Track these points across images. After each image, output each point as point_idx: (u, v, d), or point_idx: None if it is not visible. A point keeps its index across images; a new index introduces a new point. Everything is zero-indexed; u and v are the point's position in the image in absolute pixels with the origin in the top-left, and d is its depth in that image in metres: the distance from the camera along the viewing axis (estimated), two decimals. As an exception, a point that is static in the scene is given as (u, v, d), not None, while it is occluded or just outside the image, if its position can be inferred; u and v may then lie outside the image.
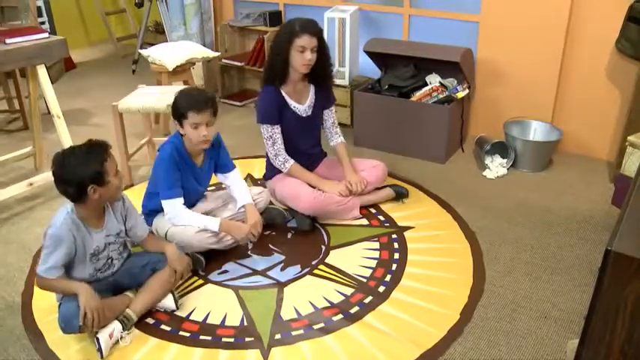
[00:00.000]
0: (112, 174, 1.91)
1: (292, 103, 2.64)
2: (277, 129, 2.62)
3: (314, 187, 2.66)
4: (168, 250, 2.12)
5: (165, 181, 2.27)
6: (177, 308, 2.14)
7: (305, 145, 2.78)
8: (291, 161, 2.66)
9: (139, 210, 2.43)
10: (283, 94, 2.62)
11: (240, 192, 2.50)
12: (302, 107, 2.68)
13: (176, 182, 2.28)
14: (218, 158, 2.48)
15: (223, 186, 2.65)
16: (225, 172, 2.53)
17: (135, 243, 2.23)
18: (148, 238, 2.18)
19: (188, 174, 2.35)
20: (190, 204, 2.41)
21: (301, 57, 2.48)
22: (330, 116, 2.82)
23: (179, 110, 2.24)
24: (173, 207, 2.29)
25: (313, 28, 2.48)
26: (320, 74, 2.63)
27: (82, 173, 1.83)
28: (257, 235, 2.39)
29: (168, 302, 2.13)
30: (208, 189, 2.61)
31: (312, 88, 2.71)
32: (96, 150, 1.88)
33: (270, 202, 2.73)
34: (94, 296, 1.91)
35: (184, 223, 2.30)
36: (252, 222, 2.39)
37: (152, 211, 2.42)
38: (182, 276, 2.15)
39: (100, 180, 1.86)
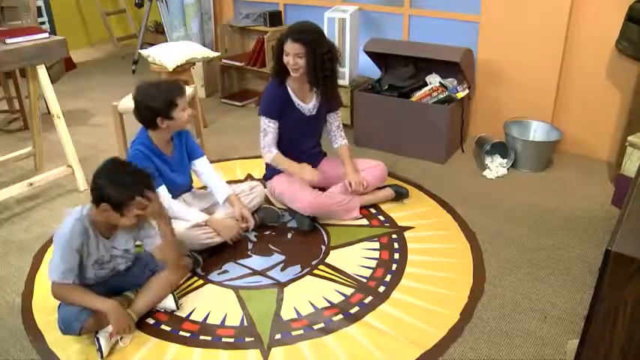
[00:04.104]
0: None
1: (297, 101, 2.64)
2: (274, 124, 2.62)
3: (299, 178, 2.64)
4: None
5: None
6: (178, 308, 2.14)
7: (306, 145, 2.79)
8: (275, 151, 2.66)
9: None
10: (289, 90, 2.62)
11: (216, 183, 2.53)
12: (306, 106, 2.68)
13: (154, 173, 2.30)
14: (187, 146, 2.50)
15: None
16: (194, 159, 2.54)
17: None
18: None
19: (162, 164, 2.37)
20: (177, 197, 2.44)
21: (287, 60, 2.50)
22: (335, 119, 2.81)
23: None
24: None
25: (296, 35, 2.46)
26: (313, 80, 2.57)
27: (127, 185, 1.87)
28: (247, 228, 2.47)
29: (169, 302, 2.13)
30: (205, 190, 2.62)
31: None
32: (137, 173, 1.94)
33: (269, 202, 2.73)
34: (124, 315, 1.94)
35: (177, 213, 2.33)
36: (237, 214, 2.44)
37: None
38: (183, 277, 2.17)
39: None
